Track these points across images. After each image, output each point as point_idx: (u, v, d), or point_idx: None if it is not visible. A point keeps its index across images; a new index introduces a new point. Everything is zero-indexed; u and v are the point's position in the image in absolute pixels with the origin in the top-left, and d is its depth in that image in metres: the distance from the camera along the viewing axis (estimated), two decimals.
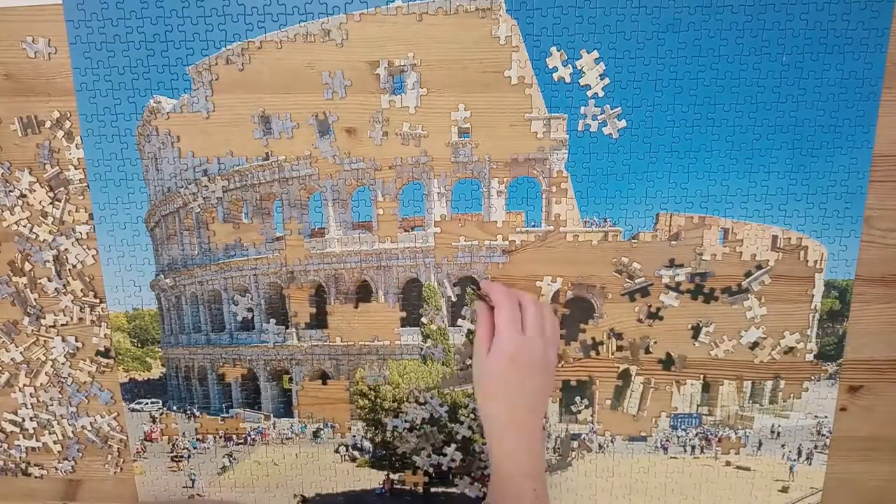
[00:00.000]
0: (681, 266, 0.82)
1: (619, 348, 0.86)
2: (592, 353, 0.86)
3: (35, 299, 0.88)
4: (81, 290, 0.88)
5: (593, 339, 0.86)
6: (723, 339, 0.84)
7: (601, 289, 0.84)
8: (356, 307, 0.88)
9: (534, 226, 0.83)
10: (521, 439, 0.70)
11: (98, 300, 0.88)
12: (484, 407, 0.72)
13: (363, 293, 0.88)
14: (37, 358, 0.90)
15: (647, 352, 0.86)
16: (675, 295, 0.83)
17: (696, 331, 0.84)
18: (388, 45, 0.77)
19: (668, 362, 0.86)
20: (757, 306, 0.83)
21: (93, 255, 0.87)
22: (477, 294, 0.75)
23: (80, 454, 0.94)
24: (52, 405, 0.92)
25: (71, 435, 0.93)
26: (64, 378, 0.91)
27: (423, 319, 0.87)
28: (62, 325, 0.89)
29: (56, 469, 0.94)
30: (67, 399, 0.92)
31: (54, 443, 0.93)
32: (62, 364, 0.90)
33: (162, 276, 0.89)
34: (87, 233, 0.86)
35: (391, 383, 0.89)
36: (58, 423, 0.92)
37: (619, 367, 0.87)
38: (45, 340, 0.89)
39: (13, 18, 0.78)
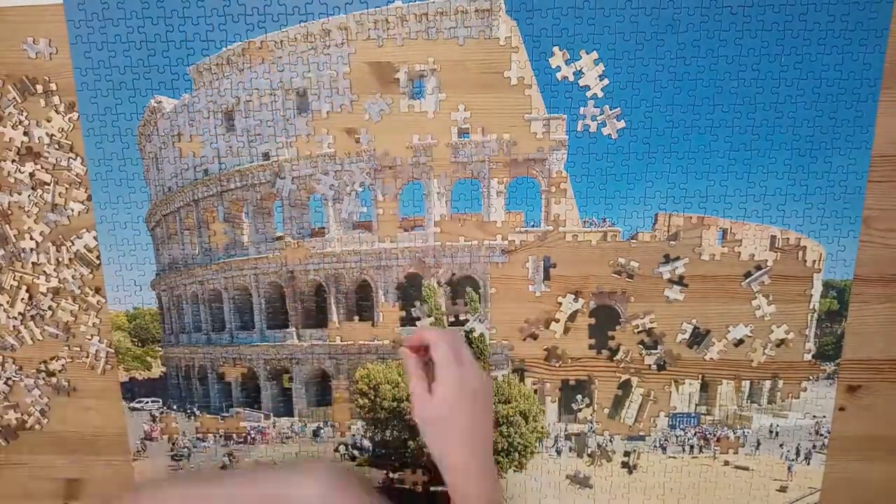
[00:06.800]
0: (677, 259, 0.82)
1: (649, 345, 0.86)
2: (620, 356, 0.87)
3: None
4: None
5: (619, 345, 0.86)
6: (721, 338, 0.85)
7: (622, 294, 0.84)
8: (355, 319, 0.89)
9: (533, 226, 0.83)
10: (486, 482, 0.58)
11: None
12: (447, 457, 0.59)
13: (363, 293, 0.88)
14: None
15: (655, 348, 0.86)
16: (679, 289, 0.83)
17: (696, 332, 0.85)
18: (389, 47, 0.77)
19: (660, 365, 0.86)
20: (766, 304, 0.83)
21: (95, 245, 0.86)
22: (402, 345, 0.63)
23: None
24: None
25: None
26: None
27: (421, 320, 0.87)
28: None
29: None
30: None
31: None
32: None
33: (163, 275, 0.89)
34: (81, 211, 0.85)
35: (391, 382, 0.89)
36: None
37: (620, 378, 0.87)
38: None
39: (13, 19, 0.78)
